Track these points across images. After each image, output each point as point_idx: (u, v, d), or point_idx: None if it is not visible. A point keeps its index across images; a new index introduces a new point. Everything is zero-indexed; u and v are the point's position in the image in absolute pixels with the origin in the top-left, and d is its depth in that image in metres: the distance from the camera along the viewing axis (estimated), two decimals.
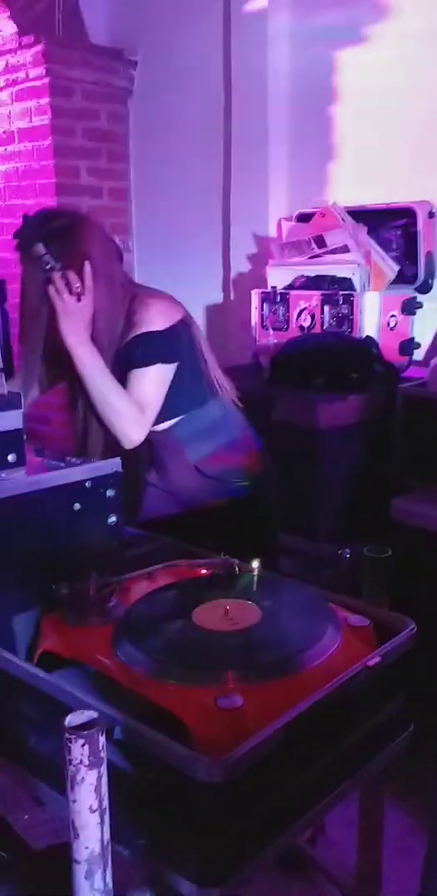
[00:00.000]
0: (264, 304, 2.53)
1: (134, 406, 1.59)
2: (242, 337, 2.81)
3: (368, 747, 0.99)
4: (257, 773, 0.79)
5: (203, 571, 1.24)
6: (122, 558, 1.27)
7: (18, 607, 1.10)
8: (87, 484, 1.21)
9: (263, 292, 2.54)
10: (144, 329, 1.61)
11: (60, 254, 1.55)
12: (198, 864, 0.74)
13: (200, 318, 3.04)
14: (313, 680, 0.90)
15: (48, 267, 1.54)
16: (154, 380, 1.62)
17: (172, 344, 1.63)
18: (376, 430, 2.20)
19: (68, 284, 1.54)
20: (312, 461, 2.11)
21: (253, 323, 2.57)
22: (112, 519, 1.26)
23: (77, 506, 1.20)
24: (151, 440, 1.69)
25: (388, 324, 2.37)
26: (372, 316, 2.31)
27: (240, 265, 3.02)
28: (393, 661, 0.99)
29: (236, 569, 1.21)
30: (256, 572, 1.18)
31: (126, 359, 1.61)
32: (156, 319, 1.62)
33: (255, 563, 1.19)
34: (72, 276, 1.54)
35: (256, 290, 2.57)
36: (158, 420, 1.65)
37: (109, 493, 1.25)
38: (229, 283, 3.09)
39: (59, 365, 1.64)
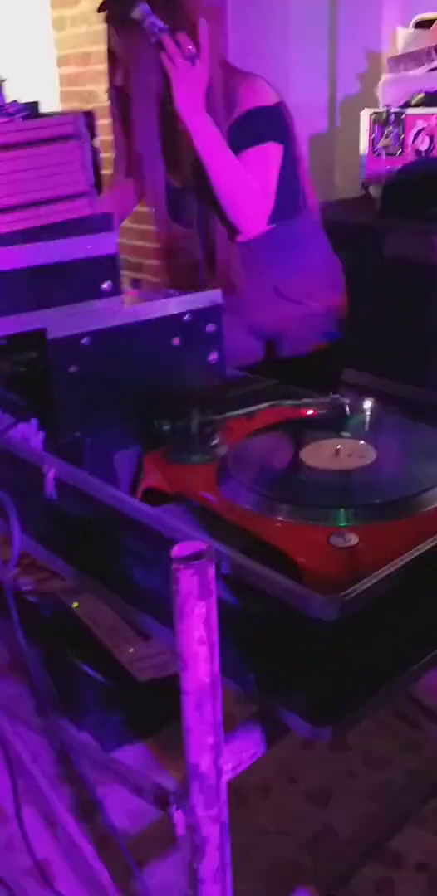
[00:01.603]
0: (376, 127, 2.27)
1: (256, 188, 1.46)
2: (349, 166, 2.56)
3: None
4: (372, 614, 0.74)
5: (310, 412, 1.17)
6: (224, 397, 1.21)
7: (120, 444, 1.07)
8: (185, 317, 1.14)
9: (374, 113, 2.28)
10: (252, 105, 1.45)
11: (166, 14, 1.38)
12: (309, 701, 0.71)
13: (302, 149, 2.81)
14: (432, 523, 0.83)
15: (156, 29, 1.36)
16: (270, 160, 1.47)
17: (282, 122, 1.48)
18: None
19: (180, 48, 1.37)
20: (428, 300, 1.94)
21: (363, 149, 2.33)
22: (213, 356, 1.20)
23: (176, 340, 1.13)
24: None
25: None
26: None
27: (348, 86, 2.72)
28: None
29: (347, 409, 1.13)
30: (369, 412, 1.10)
31: (236, 139, 1.45)
32: (262, 95, 1.46)
33: (368, 402, 1.10)
34: (183, 37, 1.37)
35: (366, 109, 2.31)
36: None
37: (210, 327, 1.17)
38: (336, 107, 2.80)
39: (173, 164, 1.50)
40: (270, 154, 1.47)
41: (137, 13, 1.37)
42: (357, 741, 1.54)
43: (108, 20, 1.45)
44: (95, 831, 1.38)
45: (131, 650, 1.61)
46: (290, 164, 1.52)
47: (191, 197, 1.56)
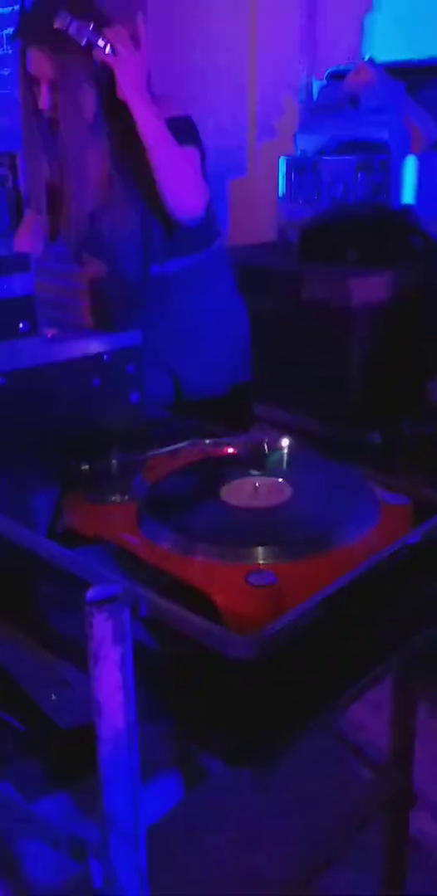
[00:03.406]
0: (293, 174, 2.36)
1: (195, 174, 1.49)
2: (268, 211, 2.64)
3: (405, 628, 0.94)
4: (289, 653, 0.74)
5: (230, 450, 1.18)
6: (145, 437, 1.21)
7: (38, 484, 1.05)
8: (105, 357, 1.13)
9: (291, 159, 2.36)
10: (169, 114, 1.47)
11: (91, 17, 1.39)
12: (228, 742, 0.71)
13: (221, 193, 2.87)
14: (348, 558, 0.85)
15: (81, 30, 1.36)
16: (195, 162, 1.50)
17: (196, 132, 1.52)
18: (413, 308, 2.08)
19: (117, 37, 1.38)
20: (343, 341, 2.01)
21: (281, 194, 2.41)
22: (134, 396, 1.20)
23: (96, 381, 1.13)
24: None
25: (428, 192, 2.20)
26: (410, 182, 2.14)
27: (266, 133, 2.82)
28: (433, 542, 0.93)
29: (266, 447, 1.15)
30: (286, 449, 1.12)
31: None
32: (177, 108, 1.50)
33: (285, 440, 1.13)
34: (118, 28, 1.39)
35: (283, 156, 2.39)
36: (169, 255, 1.56)
37: (130, 367, 1.17)
38: (254, 154, 2.90)
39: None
40: (193, 156, 1.50)
41: (60, 21, 1.36)
42: (284, 781, 1.54)
43: (27, 43, 1.43)
44: (16, 885, 1.31)
45: (53, 696, 1.56)
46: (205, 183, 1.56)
47: (103, 220, 1.56)
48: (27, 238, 1.67)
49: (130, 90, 1.40)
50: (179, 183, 1.46)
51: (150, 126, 1.43)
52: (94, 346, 1.12)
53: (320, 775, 1.57)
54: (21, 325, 1.02)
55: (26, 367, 1.02)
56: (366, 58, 2.37)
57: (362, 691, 0.87)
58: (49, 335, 1.10)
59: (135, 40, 1.41)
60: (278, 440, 1.13)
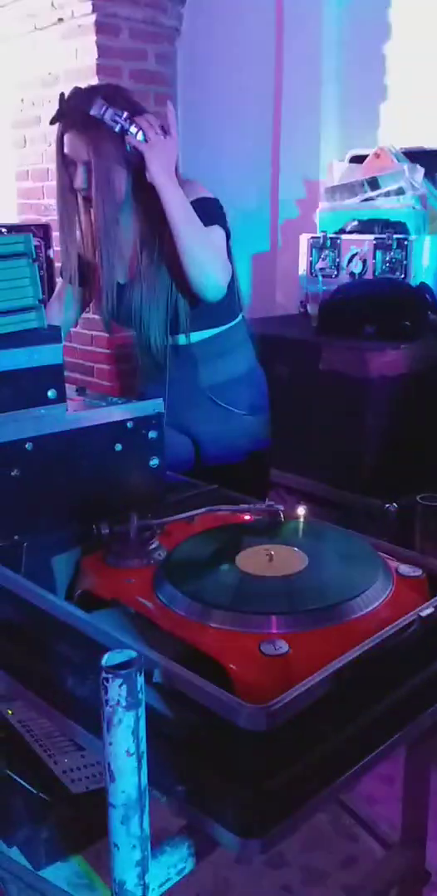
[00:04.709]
0: (314, 250, 2.43)
1: (220, 252, 1.55)
2: (289, 285, 2.72)
3: (418, 702, 0.94)
4: (302, 723, 0.75)
5: (247, 518, 1.20)
6: (163, 502, 1.24)
7: (58, 547, 1.08)
8: (128, 424, 1.17)
9: (312, 237, 2.44)
10: (197, 195, 1.56)
11: (124, 105, 1.50)
12: (238, 813, 0.71)
13: (246, 267, 2.96)
14: (362, 629, 0.86)
15: (118, 117, 1.46)
16: (222, 241, 1.57)
17: (224, 213, 1.59)
18: (428, 382, 2.11)
19: (149, 124, 1.48)
20: (360, 413, 2.04)
21: (301, 270, 2.48)
22: (154, 461, 1.23)
23: (118, 446, 1.16)
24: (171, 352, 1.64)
25: None
26: (427, 261, 2.20)
27: (289, 211, 2.92)
28: None
29: (282, 515, 1.16)
30: (302, 519, 1.13)
31: None
32: (203, 191, 1.59)
33: (301, 510, 1.15)
34: (150, 116, 1.49)
35: (305, 234, 2.47)
36: (194, 327, 1.62)
37: (152, 434, 1.21)
38: (277, 230, 2.99)
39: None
40: (220, 235, 1.58)
41: (96, 109, 1.46)
42: (294, 856, 1.50)
43: (65, 128, 1.53)
44: None
45: (66, 760, 1.55)
46: (230, 260, 1.62)
47: (132, 292, 1.63)
48: (59, 307, 1.74)
49: (158, 174, 1.49)
50: (203, 261, 1.53)
51: (177, 207, 1.50)
52: (118, 414, 1.15)
53: (331, 850, 1.53)
54: (50, 394, 1.06)
55: (52, 434, 1.06)
56: (385, 143, 2.47)
57: (373, 765, 0.87)
58: (75, 401, 1.14)
59: (165, 128, 1.50)
60: (294, 509, 1.15)
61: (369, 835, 1.45)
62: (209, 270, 1.53)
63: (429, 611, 0.89)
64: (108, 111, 1.46)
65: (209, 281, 1.54)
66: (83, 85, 1.60)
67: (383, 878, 1.26)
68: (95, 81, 3.10)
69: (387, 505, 2.03)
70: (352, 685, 0.80)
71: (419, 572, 0.99)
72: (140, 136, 1.48)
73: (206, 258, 1.52)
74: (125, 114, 1.48)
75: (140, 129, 1.47)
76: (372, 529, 2.07)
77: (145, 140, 1.48)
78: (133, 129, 1.47)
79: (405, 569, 1.00)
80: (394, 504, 2.02)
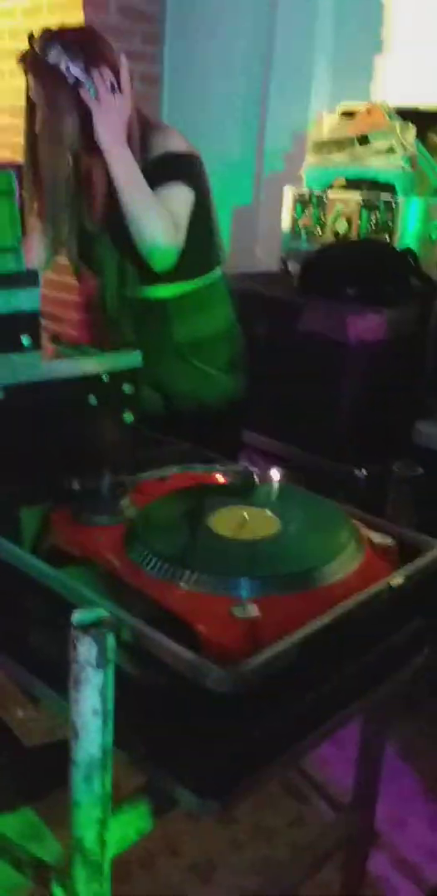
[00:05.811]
0: (298, 205, 2.38)
1: (169, 218, 1.50)
2: (270, 241, 2.67)
3: (381, 669, 0.95)
4: (266, 687, 0.75)
5: (221, 478, 1.19)
6: (137, 459, 1.22)
7: (27, 500, 1.06)
8: (103, 377, 1.14)
9: (297, 192, 2.39)
10: (165, 150, 1.52)
11: (82, 56, 1.44)
12: (198, 774, 0.71)
13: (227, 220, 2.90)
14: (332, 595, 0.86)
15: (70, 69, 1.42)
16: (181, 200, 1.52)
17: (195, 169, 1.55)
18: (407, 349, 2.10)
19: (101, 80, 1.43)
20: (337, 376, 2.02)
21: (284, 226, 2.43)
22: (129, 416, 1.21)
23: (92, 399, 1.14)
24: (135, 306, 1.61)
25: (430, 235, 2.22)
26: (414, 225, 2.17)
27: (274, 164, 2.85)
28: (415, 584, 0.94)
29: (256, 478, 1.15)
30: (276, 482, 1.13)
31: (149, 179, 1.50)
32: (176, 143, 1.54)
33: (275, 473, 1.14)
34: (106, 70, 1.44)
35: (288, 186, 2.42)
36: (167, 279, 1.58)
37: (127, 388, 1.19)
38: (260, 183, 2.92)
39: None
40: (181, 193, 1.53)
41: (53, 56, 1.42)
42: (244, 814, 1.53)
43: (27, 70, 1.49)
44: None
45: (20, 713, 1.55)
46: (203, 217, 1.58)
47: (102, 241, 1.59)
48: (30, 250, 1.68)
49: (103, 135, 1.45)
50: (146, 228, 1.48)
51: (120, 173, 1.46)
52: (94, 366, 1.13)
53: (281, 809, 1.56)
54: (24, 340, 1.03)
55: (26, 384, 1.03)
56: (378, 98, 2.41)
57: (335, 730, 0.88)
58: (49, 352, 1.11)
59: (115, 85, 1.45)
60: (268, 472, 1.14)
61: (319, 796, 1.48)
62: (153, 238, 1.49)
63: (399, 580, 0.89)
64: (63, 59, 1.42)
65: (154, 248, 1.50)
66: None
67: (332, 837, 1.30)
68: (80, 14, 2.98)
69: (356, 471, 2.03)
70: (319, 652, 0.81)
71: (390, 541, 0.99)
72: (92, 92, 1.44)
73: (150, 225, 1.48)
74: (81, 65, 1.42)
75: (93, 84, 1.43)
76: (340, 495, 2.08)
77: (96, 97, 1.43)
78: (86, 82, 1.43)
79: (376, 537, 1.00)
80: (363, 471, 2.02)
